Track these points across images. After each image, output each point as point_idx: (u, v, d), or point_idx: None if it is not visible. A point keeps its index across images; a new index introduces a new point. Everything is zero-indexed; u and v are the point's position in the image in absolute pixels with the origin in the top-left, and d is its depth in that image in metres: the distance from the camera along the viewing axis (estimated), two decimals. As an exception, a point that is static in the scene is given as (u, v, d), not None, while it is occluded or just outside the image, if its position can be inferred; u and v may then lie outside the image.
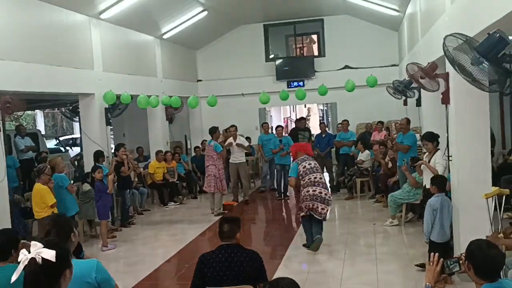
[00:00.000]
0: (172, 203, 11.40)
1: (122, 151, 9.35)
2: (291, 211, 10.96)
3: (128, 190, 9.57)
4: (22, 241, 3.28)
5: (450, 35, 3.93)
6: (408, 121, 9.37)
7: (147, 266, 7.03)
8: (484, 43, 3.64)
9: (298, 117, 16.88)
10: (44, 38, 8.12)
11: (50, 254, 2.01)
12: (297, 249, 7.58)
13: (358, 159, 11.16)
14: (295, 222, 9.84)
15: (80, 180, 8.13)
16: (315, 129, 14.75)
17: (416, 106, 9.42)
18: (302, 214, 7.22)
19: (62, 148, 16.98)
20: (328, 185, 7.56)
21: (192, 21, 12.37)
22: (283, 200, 11.48)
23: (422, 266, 5.99)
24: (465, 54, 3.81)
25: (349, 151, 11.66)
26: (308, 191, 7.08)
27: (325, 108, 24.96)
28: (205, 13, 12.24)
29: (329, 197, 7.19)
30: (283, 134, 12.14)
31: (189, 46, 14.73)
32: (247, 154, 11.80)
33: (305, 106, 27.99)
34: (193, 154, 13.68)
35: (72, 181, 10.11)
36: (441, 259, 2.87)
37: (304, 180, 7.18)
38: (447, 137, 6.24)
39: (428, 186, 6.37)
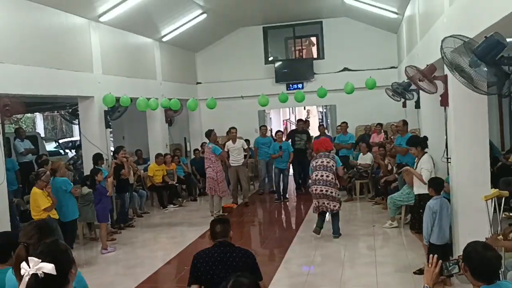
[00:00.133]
0: (172, 205, 11.40)
1: (122, 153, 9.36)
2: (291, 214, 10.97)
3: (127, 193, 9.58)
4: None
5: (449, 36, 3.94)
6: (404, 123, 9.38)
7: (146, 268, 7.03)
8: (482, 46, 3.65)
9: (298, 119, 16.89)
10: (44, 41, 8.13)
11: (49, 268, 2.01)
12: (296, 252, 7.59)
13: (357, 161, 11.16)
14: (294, 224, 9.85)
15: (79, 183, 8.12)
16: (314, 131, 14.74)
17: (415, 108, 9.44)
18: (314, 211, 8.17)
19: (61, 151, 16.98)
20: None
21: (192, 24, 12.39)
22: (282, 203, 11.49)
23: (421, 273, 5.97)
24: (463, 57, 3.82)
25: (348, 153, 11.67)
26: (312, 189, 7.92)
27: (324, 110, 24.98)
28: (204, 15, 12.26)
29: (331, 192, 7.76)
30: (283, 139, 12.14)
31: (189, 48, 14.74)
32: (246, 157, 11.79)
33: (304, 109, 28.01)
34: (193, 156, 13.69)
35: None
36: (440, 261, 2.87)
37: (311, 179, 8.02)
38: (446, 139, 6.25)
39: (417, 192, 6.31)
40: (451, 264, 2.88)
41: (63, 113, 18.47)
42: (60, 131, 28.68)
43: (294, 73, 14.67)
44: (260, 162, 12.34)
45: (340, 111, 14.41)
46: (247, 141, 12.16)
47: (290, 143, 11.99)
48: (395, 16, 11.54)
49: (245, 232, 9.41)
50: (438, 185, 5.70)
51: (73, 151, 16.43)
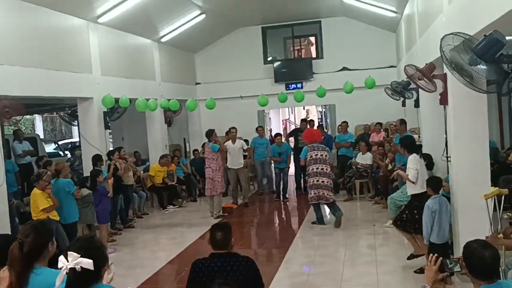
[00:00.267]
0: (171, 206, 11.40)
1: (116, 155, 9.33)
2: (291, 214, 10.97)
3: (120, 195, 9.52)
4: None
5: (448, 34, 3.93)
6: (402, 122, 9.36)
7: (147, 269, 7.03)
8: (481, 44, 3.64)
9: (302, 118, 16.92)
10: (42, 42, 8.12)
11: (88, 263, 2.14)
12: (297, 251, 7.59)
13: (356, 160, 11.15)
14: (294, 224, 9.85)
15: (78, 184, 8.11)
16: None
17: (415, 107, 9.43)
18: (311, 203, 8.84)
19: (61, 152, 16.96)
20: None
21: (190, 24, 12.37)
22: (282, 202, 11.49)
23: (421, 272, 5.98)
24: (462, 55, 3.82)
25: (348, 152, 11.67)
26: (313, 181, 8.61)
27: (324, 110, 24.97)
28: (203, 16, 12.25)
29: (330, 183, 8.67)
30: (282, 141, 12.15)
31: (187, 49, 14.73)
32: (245, 157, 11.80)
33: (303, 108, 28.00)
34: (192, 157, 13.68)
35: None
36: (440, 258, 2.87)
37: (308, 170, 8.71)
38: (446, 138, 6.25)
39: (410, 193, 6.31)
40: (452, 262, 2.88)
41: (62, 114, 18.42)
42: (59, 133, 28.64)
43: (293, 73, 14.66)
44: (255, 163, 12.33)
45: (339, 110, 14.40)
46: (245, 141, 12.16)
47: (294, 142, 12.03)
48: (393, 15, 11.54)
49: (245, 232, 9.41)
50: (436, 184, 5.69)
51: (67, 152, 16.41)
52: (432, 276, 2.84)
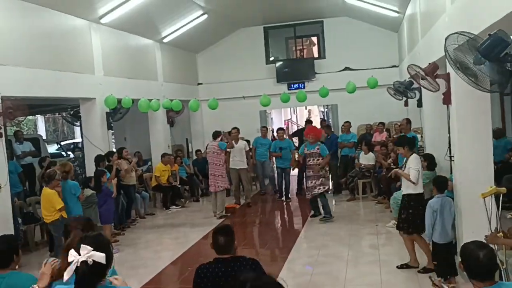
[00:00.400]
0: (174, 206, 11.40)
1: (115, 157, 9.31)
2: (294, 214, 10.96)
3: (121, 195, 9.51)
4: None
5: (453, 33, 3.92)
6: (408, 121, 9.34)
7: (150, 269, 7.04)
8: (486, 43, 3.64)
9: (307, 119, 16.93)
10: (45, 43, 8.13)
11: (100, 256, 2.20)
12: (300, 251, 7.59)
13: (359, 162, 11.14)
14: (297, 224, 9.84)
15: (81, 185, 8.12)
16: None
17: (417, 106, 9.42)
18: (308, 197, 9.48)
19: (63, 153, 16.99)
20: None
21: (192, 25, 12.38)
22: (285, 202, 11.48)
23: (426, 271, 5.97)
24: (466, 55, 3.81)
25: (350, 152, 11.65)
26: (306, 173, 9.46)
27: (326, 110, 24.96)
28: (205, 16, 12.26)
29: (317, 177, 9.10)
30: (284, 137, 12.14)
31: (190, 49, 14.74)
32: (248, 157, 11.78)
33: (305, 108, 28.00)
34: (195, 157, 13.69)
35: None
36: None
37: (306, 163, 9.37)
38: (449, 137, 6.24)
39: (405, 192, 6.28)
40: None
41: (64, 115, 18.45)
42: (61, 133, 28.69)
43: (295, 73, 14.66)
44: (256, 163, 12.31)
45: (341, 110, 14.39)
46: (247, 141, 12.15)
47: (298, 142, 11.98)
48: (396, 15, 11.53)
49: (248, 232, 9.41)
50: (440, 183, 5.68)
51: (70, 153, 16.42)
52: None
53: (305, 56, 16.27)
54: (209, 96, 12.36)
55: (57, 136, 27.60)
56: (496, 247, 4.75)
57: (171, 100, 11.60)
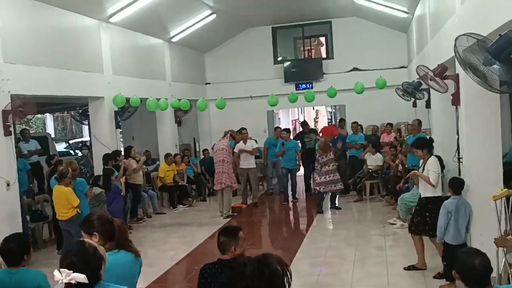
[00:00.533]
0: (181, 205, 11.43)
1: (121, 157, 9.33)
2: (300, 214, 10.95)
3: (128, 193, 9.54)
4: None
5: (462, 35, 3.90)
6: (419, 122, 9.30)
7: (157, 268, 7.05)
8: (496, 44, 3.61)
9: (302, 121, 16.86)
10: (55, 42, 8.18)
11: (81, 278, 2.15)
12: (307, 252, 7.57)
13: (367, 163, 11.09)
14: (304, 224, 9.83)
15: (91, 183, 8.15)
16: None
17: (426, 108, 9.37)
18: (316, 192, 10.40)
19: (71, 151, 17.09)
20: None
21: (201, 24, 12.41)
22: (291, 203, 11.45)
23: (441, 277, 5.89)
24: (476, 55, 3.79)
25: (358, 153, 11.61)
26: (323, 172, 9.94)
27: (333, 110, 24.91)
28: (214, 16, 12.28)
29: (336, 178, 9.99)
30: (290, 138, 12.11)
31: (198, 49, 14.77)
32: (255, 157, 11.77)
33: (313, 109, 27.95)
34: (202, 156, 13.71)
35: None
36: None
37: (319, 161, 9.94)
38: (458, 139, 6.20)
39: (423, 195, 6.09)
40: None
41: (73, 113, 18.58)
42: (70, 132, 28.85)
43: (303, 73, 14.64)
44: (267, 162, 12.34)
45: (349, 111, 14.34)
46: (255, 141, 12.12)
47: (300, 145, 11.95)
48: (405, 15, 11.48)
49: (255, 232, 9.41)
50: (458, 185, 5.57)
51: (78, 151, 16.48)
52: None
53: (313, 56, 16.26)
54: (216, 96, 12.37)
55: (65, 135, 27.78)
56: (505, 249, 4.73)
57: (179, 100, 11.62)
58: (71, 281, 2.13)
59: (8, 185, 6.86)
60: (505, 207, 4.99)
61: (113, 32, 10.02)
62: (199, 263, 3.68)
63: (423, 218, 6.09)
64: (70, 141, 20.33)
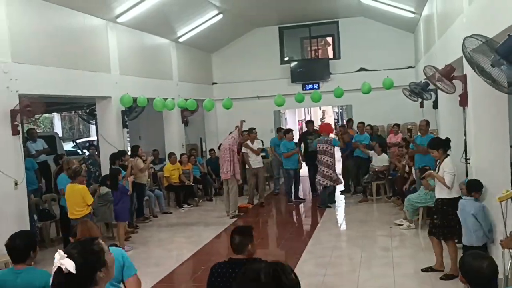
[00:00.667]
0: (186, 205, 11.45)
1: (127, 156, 9.34)
2: (306, 214, 10.93)
3: (134, 193, 9.55)
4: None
5: (470, 36, 3.88)
6: (427, 122, 9.25)
7: (163, 268, 7.06)
8: (504, 44, 3.59)
9: (307, 120, 16.85)
10: (62, 42, 8.23)
11: (69, 265, 2.00)
12: (313, 252, 7.56)
13: (373, 165, 11.04)
14: (310, 225, 9.82)
15: (99, 183, 8.18)
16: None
17: (433, 108, 9.33)
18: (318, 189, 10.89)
19: (79, 151, 17.17)
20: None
21: (208, 24, 12.43)
22: (298, 203, 11.43)
23: (448, 278, 5.86)
24: (484, 56, 3.77)
25: (363, 153, 11.57)
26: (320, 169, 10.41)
27: (340, 110, 24.87)
28: (220, 16, 12.29)
29: (331, 173, 10.31)
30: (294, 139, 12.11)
31: (205, 49, 14.79)
32: (262, 157, 11.78)
33: (320, 109, 27.91)
34: (209, 156, 13.73)
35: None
36: None
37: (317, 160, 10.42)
38: (465, 139, 6.17)
39: (438, 196, 5.98)
40: None
41: (80, 113, 18.68)
42: (77, 131, 29.00)
43: (310, 73, 14.64)
44: (274, 162, 12.35)
45: (356, 111, 14.31)
46: (262, 141, 12.12)
47: (303, 146, 11.97)
48: (412, 15, 11.44)
49: (261, 232, 9.40)
50: (473, 186, 5.48)
51: (85, 150, 16.54)
52: None
53: (320, 56, 16.25)
54: (223, 96, 12.37)
55: (73, 134, 27.92)
56: (511, 251, 4.70)
57: (186, 100, 11.64)
58: (62, 266, 2.00)
59: (16, 184, 6.91)
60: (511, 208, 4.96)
61: (121, 32, 10.06)
62: (205, 263, 3.69)
63: (441, 221, 5.94)
64: (78, 141, 20.41)
